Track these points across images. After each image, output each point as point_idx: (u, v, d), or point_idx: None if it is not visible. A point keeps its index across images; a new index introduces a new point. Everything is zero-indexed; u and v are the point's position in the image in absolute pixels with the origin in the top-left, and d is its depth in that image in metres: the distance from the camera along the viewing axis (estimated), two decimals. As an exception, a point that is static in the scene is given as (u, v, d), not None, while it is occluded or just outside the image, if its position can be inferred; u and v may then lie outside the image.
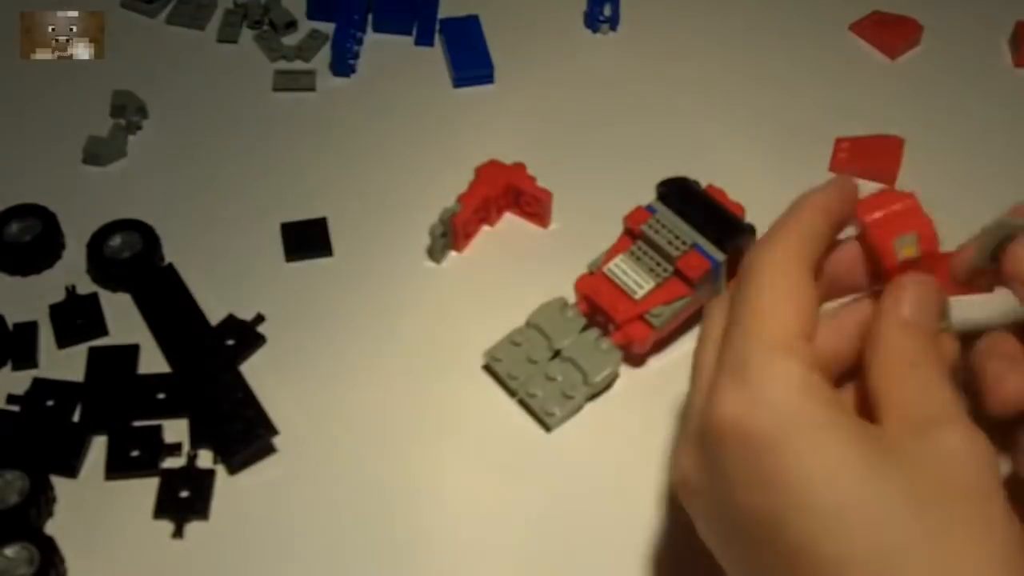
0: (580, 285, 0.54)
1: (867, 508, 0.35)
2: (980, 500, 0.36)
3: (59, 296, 0.56)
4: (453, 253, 0.59)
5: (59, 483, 0.50)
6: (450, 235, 0.58)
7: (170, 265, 0.58)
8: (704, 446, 0.39)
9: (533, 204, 0.59)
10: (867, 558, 0.35)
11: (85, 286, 0.57)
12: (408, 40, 0.69)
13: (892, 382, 0.39)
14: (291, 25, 0.69)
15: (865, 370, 0.40)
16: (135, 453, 0.51)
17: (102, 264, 0.57)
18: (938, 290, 0.41)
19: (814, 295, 0.40)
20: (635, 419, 0.53)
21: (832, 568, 0.35)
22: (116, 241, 0.57)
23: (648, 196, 0.55)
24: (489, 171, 0.59)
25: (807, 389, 0.37)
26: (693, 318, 0.55)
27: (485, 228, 0.60)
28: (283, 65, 0.67)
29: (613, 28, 0.69)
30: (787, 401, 0.37)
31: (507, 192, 0.59)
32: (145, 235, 0.58)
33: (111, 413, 0.52)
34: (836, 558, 0.35)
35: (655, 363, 0.55)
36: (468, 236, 0.59)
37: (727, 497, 0.38)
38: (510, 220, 0.60)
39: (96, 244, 0.57)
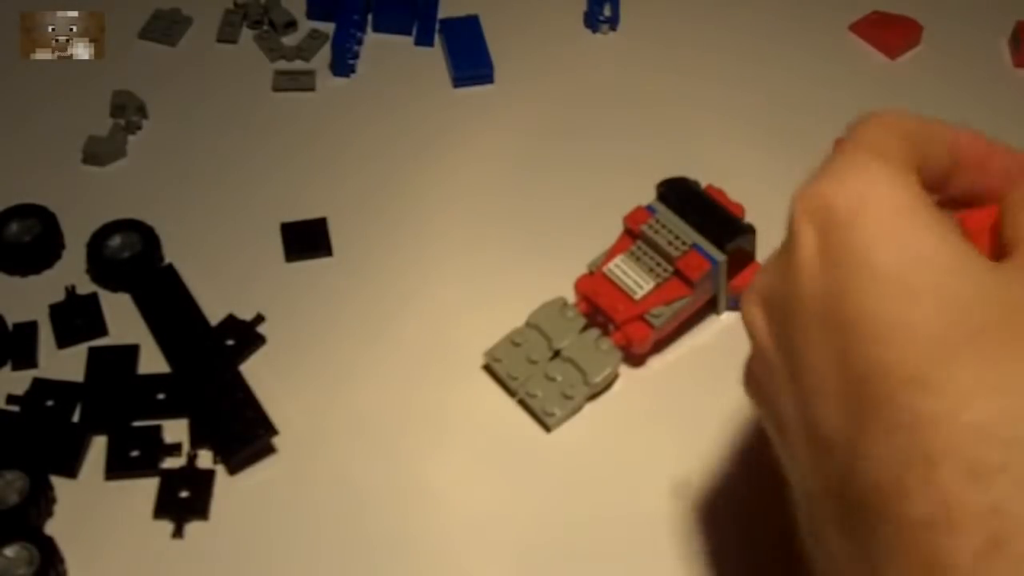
0: (580, 285, 0.54)
1: (943, 285, 0.31)
2: None
3: (59, 296, 0.56)
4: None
5: (59, 483, 0.50)
6: None
7: (170, 265, 0.58)
8: (784, 245, 0.36)
9: None
10: (932, 326, 0.31)
11: (85, 286, 0.57)
12: (408, 40, 0.69)
13: None
14: (291, 25, 0.69)
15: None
16: (135, 453, 0.51)
17: (102, 264, 0.57)
18: None
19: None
20: (635, 419, 0.53)
21: (892, 335, 0.31)
22: (116, 241, 0.57)
23: (648, 196, 0.55)
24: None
25: (905, 186, 0.34)
26: (693, 318, 0.55)
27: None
28: (283, 65, 0.67)
29: (613, 28, 0.69)
30: (878, 187, 0.34)
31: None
32: (145, 235, 0.58)
33: (111, 413, 0.52)
34: (897, 324, 0.31)
35: (655, 363, 0.54)
36: None
37: (794, 287, 0.34)
38: (511, 217, 0.60)
39: (96, 244, 0.57)
